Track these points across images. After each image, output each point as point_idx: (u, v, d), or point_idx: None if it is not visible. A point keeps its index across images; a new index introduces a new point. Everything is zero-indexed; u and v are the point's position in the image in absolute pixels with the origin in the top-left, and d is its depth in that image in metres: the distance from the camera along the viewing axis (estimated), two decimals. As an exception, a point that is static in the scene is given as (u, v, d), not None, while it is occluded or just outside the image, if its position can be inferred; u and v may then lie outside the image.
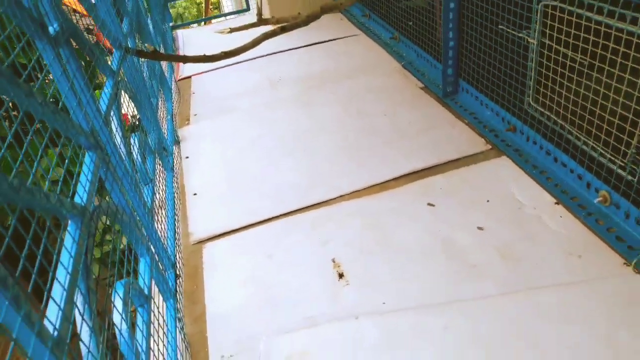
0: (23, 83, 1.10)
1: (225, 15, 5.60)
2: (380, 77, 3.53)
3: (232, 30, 3.21)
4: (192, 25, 5.86)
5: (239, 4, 6.47)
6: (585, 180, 2.01)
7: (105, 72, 2.00)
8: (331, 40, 4.37)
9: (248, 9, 5.28)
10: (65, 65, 1.45)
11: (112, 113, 1.77)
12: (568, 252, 1.90)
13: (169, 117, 3.27)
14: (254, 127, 3.24)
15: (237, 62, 4.17)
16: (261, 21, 3.19)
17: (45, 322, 0.90)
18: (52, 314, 0.93)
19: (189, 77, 4.23)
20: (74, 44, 1.58)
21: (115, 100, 1.85)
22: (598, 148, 1.89)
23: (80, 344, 1.03)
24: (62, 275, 1.02)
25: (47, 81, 1.77)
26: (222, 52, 2.85)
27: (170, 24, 5.10)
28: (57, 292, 0.98)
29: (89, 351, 1.03)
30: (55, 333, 0.90)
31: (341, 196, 2.47)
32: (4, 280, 0.79)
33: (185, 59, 2.74)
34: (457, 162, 2.52)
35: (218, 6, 13.55)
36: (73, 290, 1.02)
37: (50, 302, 0.95)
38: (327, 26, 4.58)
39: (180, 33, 5.35)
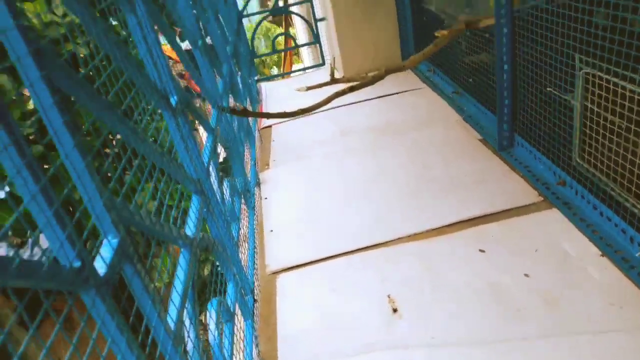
0: (158, 147, 1.54)
1: (304, 69, 6.18)
2: (442, 129, 3.80)
3: (309, 88, 3.68)
4: (273, 79, 6.51)
5: (316, 56, 7.06)
6: (629, 234, 2.13)
7: (206, 129, 2.48)
8: (398, 93, 4.73)
9: (323, 63, 5.80)
10: (182, 130, 1.91)
11: (211, 164, 2.22)
12: (609, 303, 2.02)
13: (252, 162, 3.75)
14: (326, 174, 3.62)
15: (312, 113, 4.63)
16: (333, 80, 3.63)
17: (168, 319, 1.28)
18: (172, 313, 1.31)
19: (270, 126, 4.75)
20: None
21: (214, 154, 2.31)
22: (638, 205, 2.03)
23: (187, 339, 1.39)
24: (178, 286, 1.40)
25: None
26: (299, 109, 3.30)
27: (255, 78, 5.74)
28: (175, 298, 1.36)
29: (193, 346, 1.40)
30: (174, 328, 1.27)
31: (400, 238, 2.74)
32: (146, 287, 1.18)
33: (269, 115, 3.21)
34: (509, 212, 2.70)
35: (297, 52, 14.53)
36: (185, 298, 1.40)
37: (170, 304, 1.33)
38: (395, 79, 4.95)
39: (263, 85, 5.98)
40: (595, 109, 2.17)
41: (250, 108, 4.66)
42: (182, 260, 1.52)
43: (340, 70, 5.38)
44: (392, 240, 2.75)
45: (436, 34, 3.16)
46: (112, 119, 1.19)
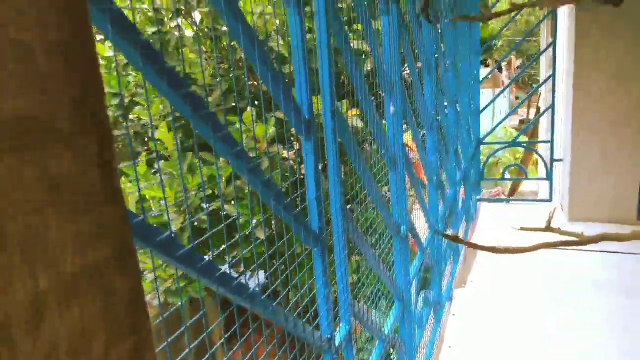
0: (383, 264, 2.20)
1: (524, 200, 6.35)
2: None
3: (522, 229, 3.97)
4: (494, 202, 6.80)
5: (545, 190, 7.08)
6: None
7: (419, 247, 3.09)
8: (627, 253, 4.54)
9: (550, 200, 5.89)
10: (403, 253, 2.56)
11: (415, 279, 2.80)
12: None
13: (451, 278, 4.18)
14: (523, 310, 3.79)
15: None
16: (548, 229, 3.84)
17: None
18: None
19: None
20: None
21: (419, 272, 2.89)
22: None
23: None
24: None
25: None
26: (505, 248, 3.64)
27: (478, 197, 6.18)
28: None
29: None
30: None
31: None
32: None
33: (476, 247, 3.63)
34: None
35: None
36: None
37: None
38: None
39: (481, 205, 6.36)
40: None
41: (464, 226, 5.12)
42: (375, 353, 2.11)
43: (565, 212, 5.41)
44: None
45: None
46: (366, 250, 1.89)
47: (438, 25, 3.52)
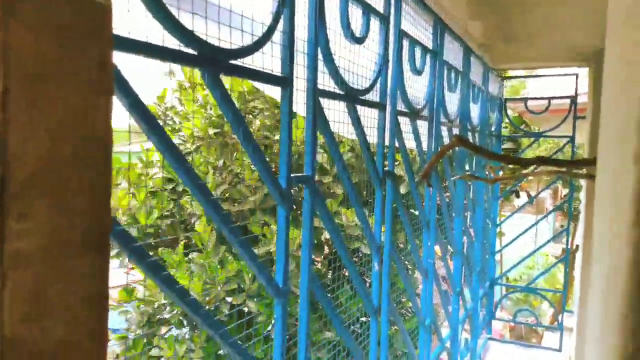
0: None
1: (533, 346, 6.31)
2: None
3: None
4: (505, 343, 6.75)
5: (556, 339, 7.00)
6: None
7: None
8: None
9: (559, 350, 5.84)
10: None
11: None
12: None
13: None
14: None
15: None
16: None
17: None
18: None
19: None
20: None
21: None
22: None
23: None
24: None
25: None
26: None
27: (488, 336, 6.20)
28: None
29: None
30: None
31: None
32: None
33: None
34: None
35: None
36: None
37: None
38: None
39: (490, 344, 6.34)
40: None
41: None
42: None
43: (573, 367, 5.35)
44: None
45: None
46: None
47: (445, 183, 4.00)
